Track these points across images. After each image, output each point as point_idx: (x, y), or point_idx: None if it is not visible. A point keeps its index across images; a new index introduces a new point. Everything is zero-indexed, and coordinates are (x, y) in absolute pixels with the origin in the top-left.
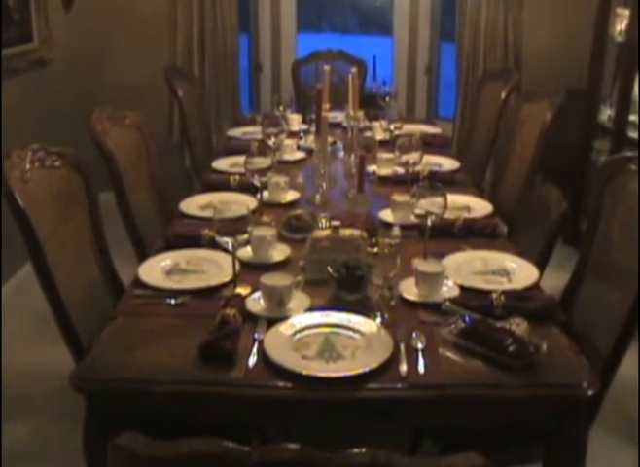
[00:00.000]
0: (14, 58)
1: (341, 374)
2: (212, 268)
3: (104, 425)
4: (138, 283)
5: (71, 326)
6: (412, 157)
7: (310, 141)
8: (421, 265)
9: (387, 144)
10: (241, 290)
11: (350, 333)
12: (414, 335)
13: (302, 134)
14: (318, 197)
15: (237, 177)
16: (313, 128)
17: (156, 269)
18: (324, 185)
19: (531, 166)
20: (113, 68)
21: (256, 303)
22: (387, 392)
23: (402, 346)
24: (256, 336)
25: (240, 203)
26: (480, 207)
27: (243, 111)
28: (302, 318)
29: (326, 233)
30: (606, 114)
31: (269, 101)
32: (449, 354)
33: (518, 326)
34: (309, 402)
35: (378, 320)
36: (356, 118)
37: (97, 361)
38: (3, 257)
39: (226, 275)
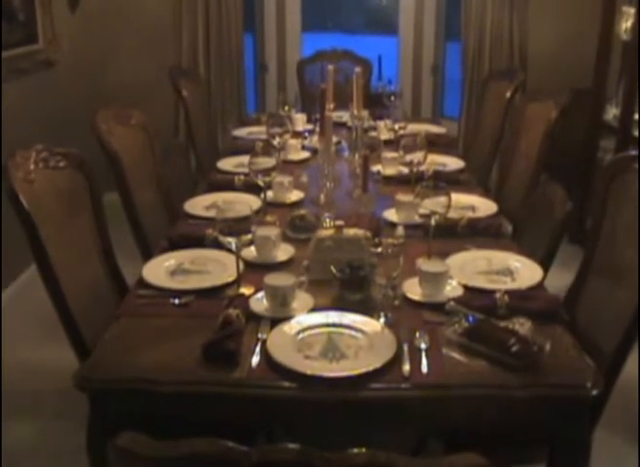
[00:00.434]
0: (19, 59)
1: (345, 373)
2: (216, 268)
3: (107, 425)
4: (142, 283)
5: (75, 326)
6: (417, 156)
7: (315, 141)
8: (425, 264)
9: (392, 144)
10: (245, 290)
11: (353, 333)
12: (418, 334)
13: (306, 134)
14: (322, 196)
15: (242, 177)
16: (318, 128)
17: (160, 270)
18: (328, 185)
19: (536, 165)
20: (118, 68)
21: (259, 302)
22: (390, 392)
23: (405, 346)
24: (259, 336)
25: (244, 203)
26: (484, 207)
27: (248, 111)
28: (306, 318)
29: (330, 232)
30: (612, 113)
31: (275, 101)
32: (453, 354)
33: (522, 326)
34: (312, 402)
35: (382, 320)
36: (360, 117)
37: (101, 361)
38: (7, 257)
39: (229, 275)
